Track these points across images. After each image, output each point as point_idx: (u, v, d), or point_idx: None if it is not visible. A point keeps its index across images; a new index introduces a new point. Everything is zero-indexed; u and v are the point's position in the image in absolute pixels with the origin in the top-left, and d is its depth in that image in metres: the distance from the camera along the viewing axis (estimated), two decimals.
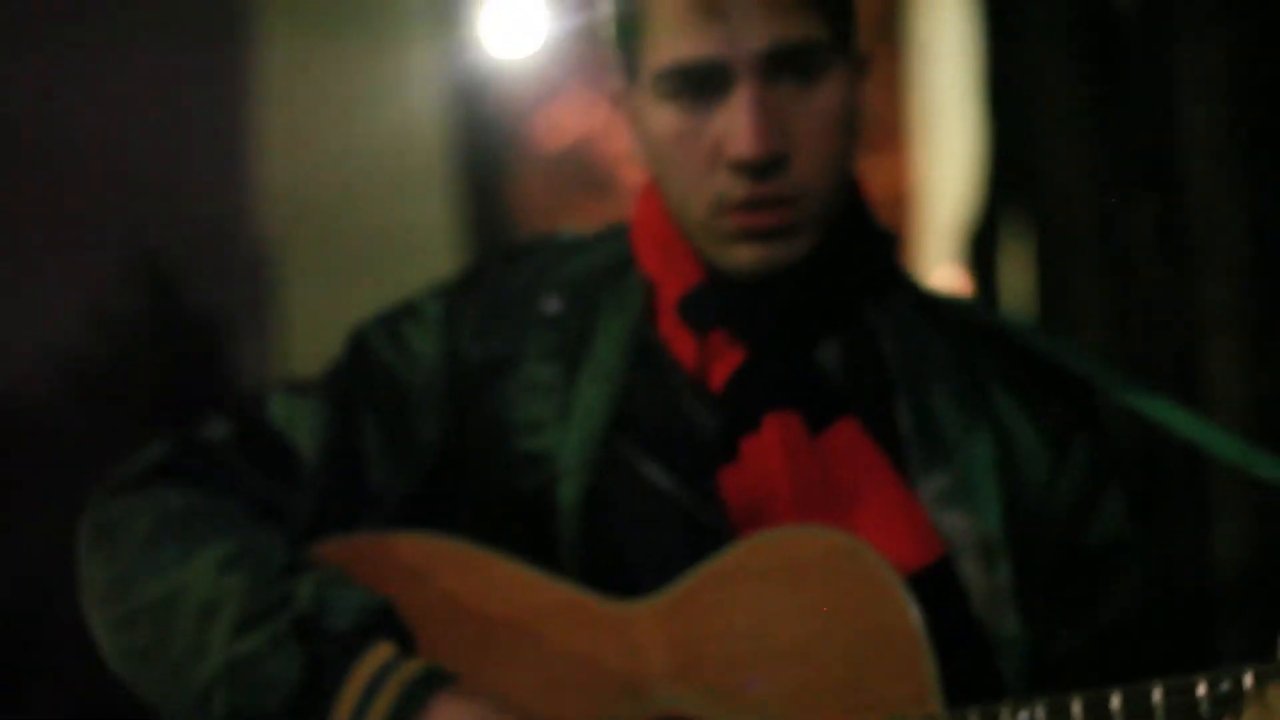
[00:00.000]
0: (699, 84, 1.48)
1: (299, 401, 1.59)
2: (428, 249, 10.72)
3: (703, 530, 1.50)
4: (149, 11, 9.75)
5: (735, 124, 1.47)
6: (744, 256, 1.51)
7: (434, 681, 1.42)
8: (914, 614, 1.41)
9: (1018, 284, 6.03)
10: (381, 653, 1.42)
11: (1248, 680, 1.33)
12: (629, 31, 1.53)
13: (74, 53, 9.70)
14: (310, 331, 11.39)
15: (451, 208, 9.23)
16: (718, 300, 1.53)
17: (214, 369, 8.56)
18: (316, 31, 11.37)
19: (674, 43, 1.48)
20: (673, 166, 1.52)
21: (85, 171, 9.54)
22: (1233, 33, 3.49)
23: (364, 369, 1.60)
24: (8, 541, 7.59)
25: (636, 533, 1.52)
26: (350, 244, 11.66)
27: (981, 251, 6.36)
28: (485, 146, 9.07)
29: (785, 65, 1.48)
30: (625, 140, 1.60)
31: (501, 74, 9.76)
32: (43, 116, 9.55)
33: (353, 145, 11.69)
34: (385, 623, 1.43)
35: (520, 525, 1.53)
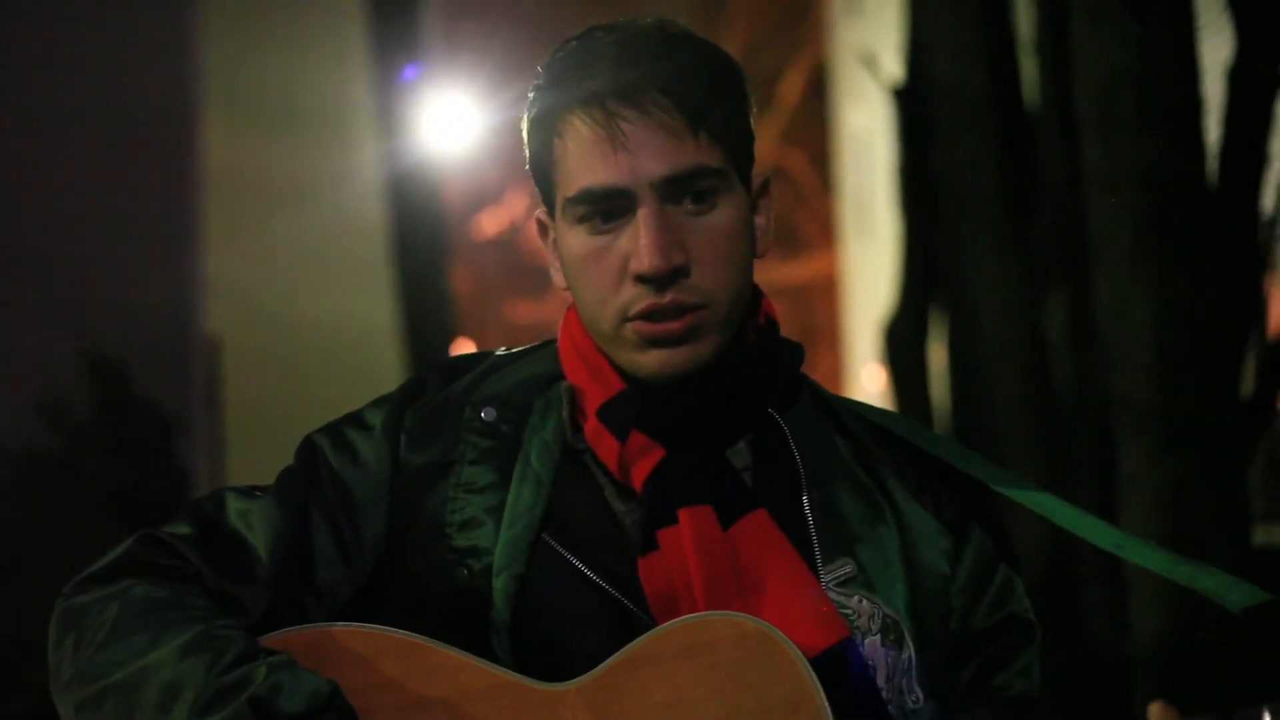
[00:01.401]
0: (605, 209, 1.64)
1: (254, 503, 1.70)
2: (369, 340, 10.80)
3: (625, 617, 1.62)
4: (95, 102, 9.76)
5: (638, 242, 1.62)
6: (648, 361, 1.65)
7: None
8: (818, 691, 1.52)
9: (938, 378, 6.13)
10: None
11: None
12: (543, 167, 1.69)
13: (17, 145, 9.67)
14: (255, 422, 11.41)
15: (392, 299, 9.30)
16: (634, 406, 1.66)
17: (161, 461, 8.53)
18: (261, 127, 11.49)
19: (582, 173, 1.64)
20: (585, 283, 1.67)
21: (30, 265, 9.50)
22: (1142, 130, 3.60)
23: (314, 474, 1.72)
24: None
25: (564, 620, 1.63)
26: (294, 335, 11.72)
27: (904, 346, 6.48)
28: (424, 239, 9.17)
29: (682, 190, 1.63)
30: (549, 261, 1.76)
31: (440, 169, 9.89)
32: None
33: (296, 239, 11.77)
34: (334, 705, 1.54)
35: (457, 616, 1.65)
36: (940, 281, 5.84)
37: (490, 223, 17.10)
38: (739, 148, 1.68)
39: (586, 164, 1.64)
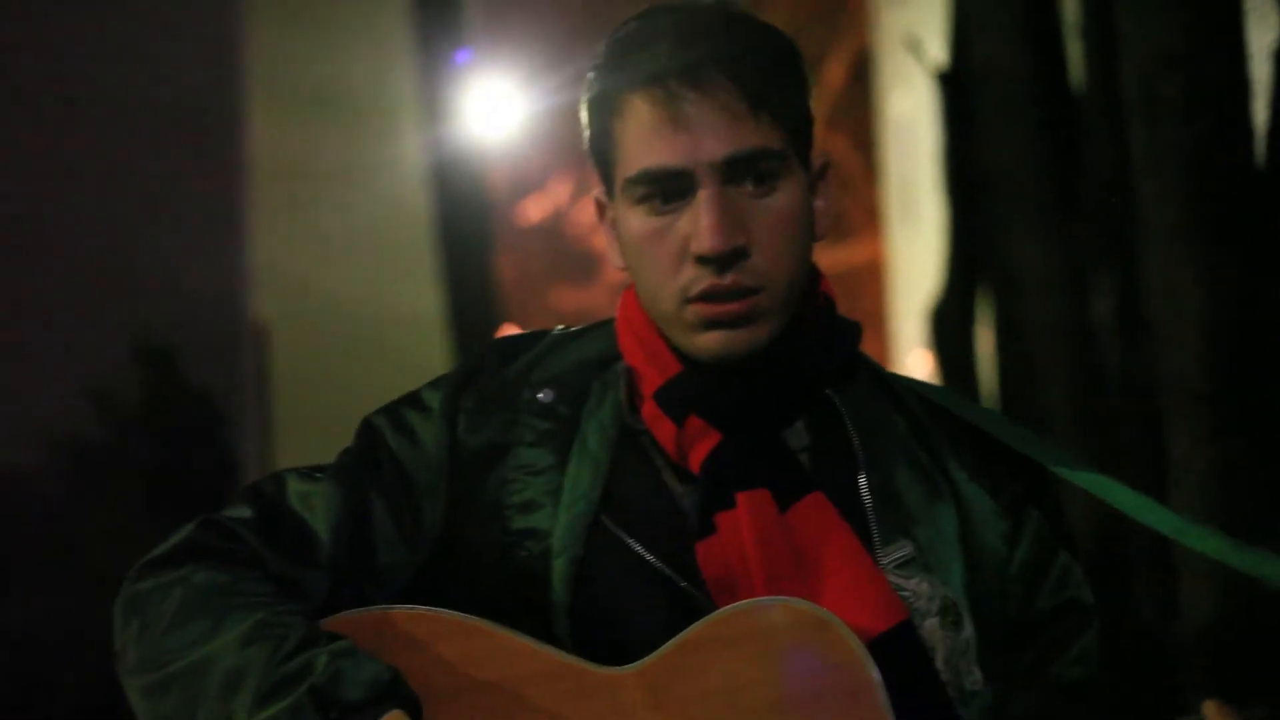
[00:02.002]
0: (666, 190, 1.64)
1: (315, 486, 1.71)
2: (415, 326, 10.83)
3: (683, 600, 1.62)
4: (142, 94, 9.82)
5: (699, 223, 1.62)
6: (708, 343, 1.64)
7: None
8: (874, 676, 1.53)
9: (985, 363, 6.11)
10: None
11: None
12: (603, 147, 1.69)
13: (64, 138, 9.75)
14: (302, 408, 11.48)
15: (437, 284, 9.32)
16: (692, 389, 1.66)
17: (210, 446, 8.59)
18: (305, 115, 11.52)
19: (643, 154, 1.64)
20: (645, 263, 1.66)
21: (81, 254, 9.57)
22: (1188, 113, 3.58)
23: (373, 456, 1.72)
24: (10, 613, 7.60)
25: (622, 603, 1.64)
26: (339, 322, 11.78)
27: (950, 331, 6.45)
28: (469, 226, 9.18)
29: (743, 172, 1.63)
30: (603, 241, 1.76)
31: (484, 155, 9.90)
32: (39, 201, 9.59)
33: (341, 226, 11.81)
34: (395, 692, 1.55)
35: (516, 598, 1.65)
36: (986, 266, 5.82)
37: (534, 209, 17.12)
38: (799, 130, 1.68)
39: (647, 145, 1.63)
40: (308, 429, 10.81)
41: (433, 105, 9.13)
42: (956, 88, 6.18)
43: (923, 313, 7.17)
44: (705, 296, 1.63)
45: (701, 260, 1.62)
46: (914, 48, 7.37)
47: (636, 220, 1.66)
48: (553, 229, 17.87)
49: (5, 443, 8.98)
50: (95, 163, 9.84)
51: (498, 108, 10.55)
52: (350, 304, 11.32)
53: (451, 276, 9.09)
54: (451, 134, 9.14)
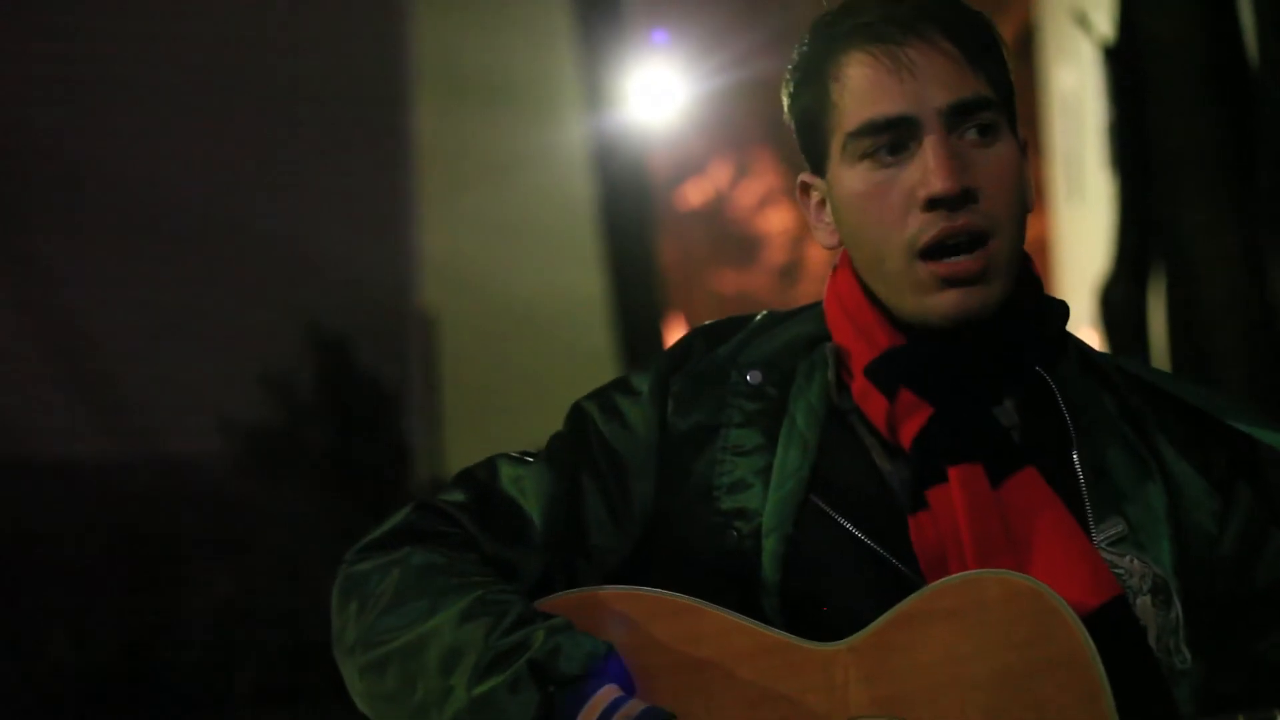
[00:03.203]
0: (891, 139, 1.64)
1: (527, 469, 1.73)
2: (579, 313, 10.90)
3: (894, 576, 1.63)
4: (311, 85, 9.97)
5: (927, 167, 1.62)
6: (942, 303, 1.64)
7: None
8: (1091, 649, 1.53)
9: (1156, 342, 6.00)
10: (607, 694, 1.56)
11: None
12: (813, 120, 1.70)
13: (237, 128, 9.93)
14: (470, 395, 11.59)
15: (600, 270, 9.37)
16: (902, 364, 1.66)
17: (381, 434, 8.69)
18: (470, 103, 11.63)
19: (866, 105, 1.64)
20: (867, 220, 1.66)
21: (255, 244, 9.75)
22: None
23: (584, 440, 1.74)
24: (189, 599, 7.77)
25: (833, 580, 1.64)
26: (505, 309, 11.87)
27: (1120, 310, 6.34)
28: (631, 212, 9.22)
29: (965, 120, 1.64)
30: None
31: (644, 141, 9.94)
32: (212, 193, 9.78)
33: (506, 212, 11.90)
34: (610, 667, 1.57)
35: (725, 577, 1.66)
36: (1157, 243, 5.72)
37: (695, 193, 17.14)
38: (1008, 97, 1.70)
39: (871, 96, 1.64)
40: (475, 414, 10.96)
41: (594, 91, 9.19)
42: (1124, 61, 6.07)
43: (1091, 291, 7.06)
44: (938, 248, 1.63)
45: (932, 204, 1.62)
46: (1081, 21, 7.26)
47: (858, 178, 1.66)
48: (714, 213, 17.88)
49: (182, 430, 9.19)
50: (266, 154, 10.01)
51: (658, 93, 10.58)
52: (515, 290, 11.42)
53: (614, 262, 9.15)
54: (613, 120, 9.19)
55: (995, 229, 1.64)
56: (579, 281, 10.62)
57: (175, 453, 9.11)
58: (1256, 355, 4.66)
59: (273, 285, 9.58)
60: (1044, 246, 16.93)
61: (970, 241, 1.63)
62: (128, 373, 9.39)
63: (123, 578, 7.95)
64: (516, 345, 11.28)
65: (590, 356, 9.57)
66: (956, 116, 1.63)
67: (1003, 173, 1.65)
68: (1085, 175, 14.77)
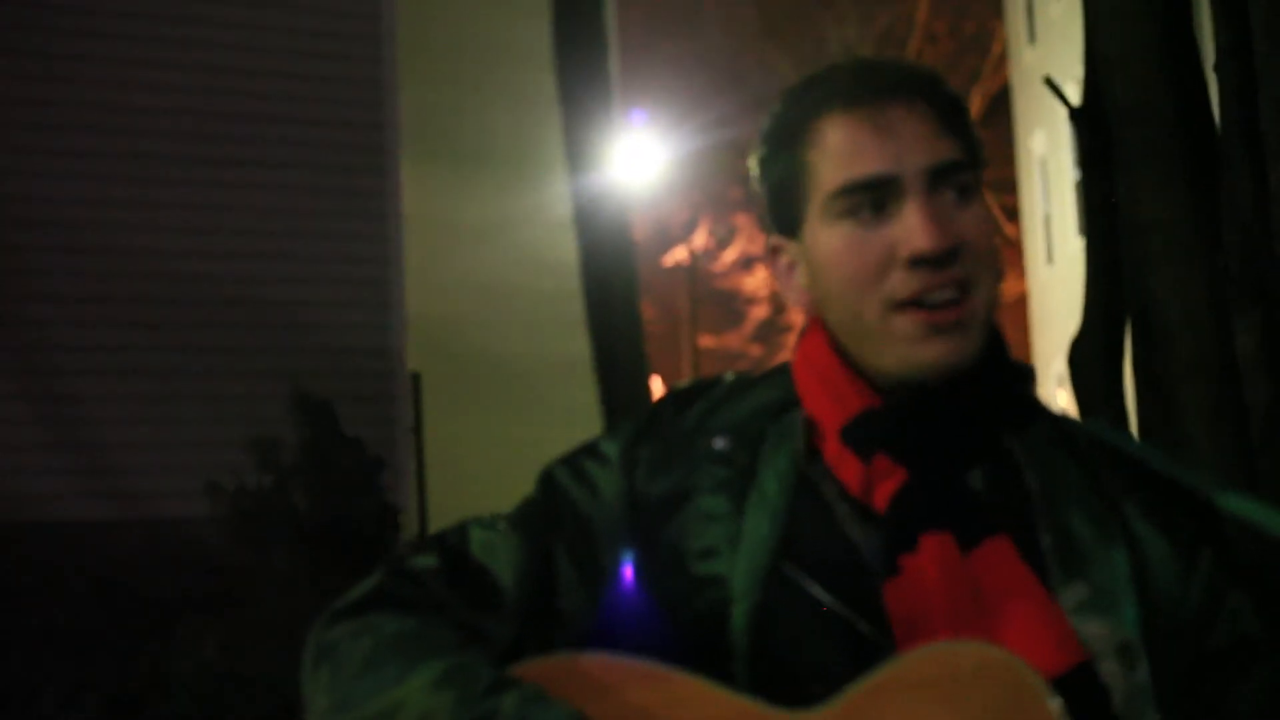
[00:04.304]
0: (873, 198, 1.67)
1: (497, 535, 1.73)
2: (565, 373, 10.95)
3: (865, 643, 1.63)
4: (296, 151, 10.04)
5: (911, 225, 1.65)
6: (925, 352, 1.66)
7: None
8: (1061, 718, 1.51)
9: (1127, 401, 6.04)
10: None
11: None
12: (787, 184, 1.72)
13: (223, 195, 9.99)
14: (453, 455, 11.61)
15: (584, 331, 9.40)
16: (881, 425, 1.67)
17: (368, 494, 8.70)
18: (456, 167, 11.72)
19: (848, 166, 1.67)
20: (846, 278, 1.68)
21: (239, 309, 9.80)
22: None
23: (554, 505, 1.76)
24: (176, 660, 7.77)
25: (804, 647, 1.64)
26: (490, 370, 11.92)
27: (1090, 369, 6.39)
28: (615, 273, 9.26)
29: (945, 181, 1.68)
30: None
31: (628, 202, 10.01)
32: (196, 257, 9.82)
33: (491, 275, 11.96)
34: None
35: (696, 644, 1.67)
36: (1128, 304, 5.77)
37: (678, 255, 17.22)
38: (978, 158, 1.74)
39: (852, 156, 1.67)
40: (460, 475, 10.97)
41: (577, 156, 9.26)
42: (1095, 126, 6.15)
43: (1064, 351, 7.12)
44: (919, 301, 1.65)
45: (916, 262, 1.64)
46: (1052, 87, 7.36)
47: (836, 236, 1.68)
48: (695, 274, 17.96)
49: (170, 493, 9.23)
50: (253, 221, 10.08)
51: (640, 157, 10.68)
52: (499, 351, 11.47)
53: (597, 323, 9.17)
54: (595, 182, 9.27)
55: (975, 283, 1.67)
56: (563, 342, 10.68)
57: (163, 515, 9.15)
58: (1223, 415, 4.70)
59: (260, 349, 9.64)
60: (1020, 306, 17.02)
61: (953, 290, 1.65)
62: (116, 436, 9.43)
63: (111, 639, 7.95)
64: (501, 406, 11.31)
65: (574, 415, 9.61)
66: (937, 177, 1.66)
67: (980, 231, 1.68)
68: (1060, 236, 14.86)
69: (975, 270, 1.67)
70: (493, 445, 10.98)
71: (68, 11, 9.75)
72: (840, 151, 1.67)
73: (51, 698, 7.58)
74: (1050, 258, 15.46)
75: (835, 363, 1.72)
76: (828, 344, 1.74)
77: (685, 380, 1.86)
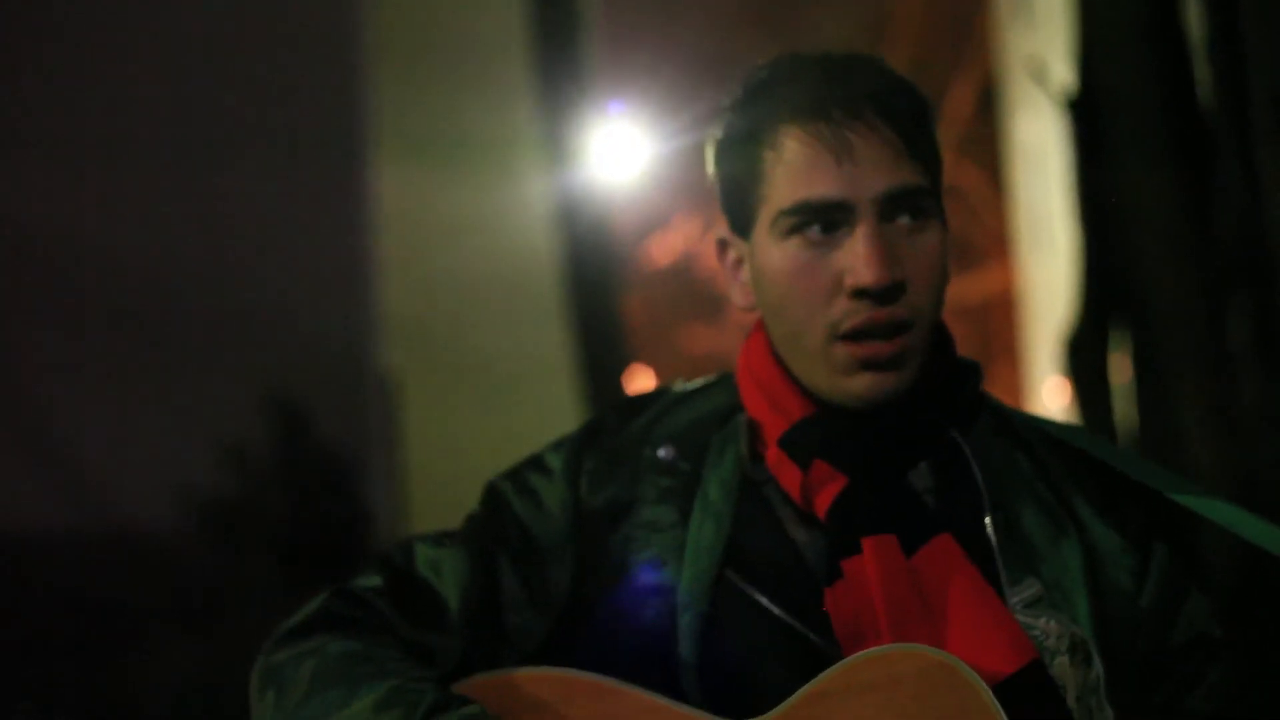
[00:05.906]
0: (824, 222, 1.63)
1: (442, 552, 1.73)
2: (544, 371, 10.88)
3: (810, 650, 1.62)
4: (266, 147, 10.00)
5: (858, 256, 1.62)
6: (856, 386, 1.64)
7: None
8: None
9: (1121, 391, 6.01)
10: None
11: None
12: (742, 183, 1.69)
13: (195, 193, 9.95)
14: (433, 455, 11.54)
15: (565, 328, 9.35)
16: (817, 434, 1.66)
17: (342, 498, 8.67)
18: (431, 162, 11.65)
19: (802, 185, 1.64)
20: (790, 299, 1.66)
21: (207, 310, 9.76)
22: None
23: (499, 521, 1.75)
24: (145, 670, 7.74)
25: (750, 656, 1.64)
26: (468, 368, 11.84)
27: (1085, 360, 6.35)
28: (595, 269, 9.20)
29: (900, 208, 1.64)
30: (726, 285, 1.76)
31: (610, 196, 9.94)
32: (166, 258, 9.79)
33: (469, 271, 11.89)
34: None
35: (643, 656, 1.66)
36: (1119, 292, 5.74)
37: (661, 250, 17.16)
38: (939, 173, 1.70)
39: (807, 175, 1.64)
40: (438, 476, 10.92)
41: (556, 149, 9.18)
42: (1083, 113, 6.10)
43: (1057, 341, 7.07)
44: (858, 334, 1.63)
45: (859, 294, 1.62)
46: (1039, 73, 7.28)
47: (784, 254, 1.66)
48: (680, 270, 17.91)
49: (138, 499, 9.16)
50: (222, 218, 10.03)
51: (621, 150, 10.59)
52: (478, 349, 11.42)
53: (580, 320, 9.12)
54: (576, 177, 9.20)
55: (917, 319, 1.64)
56: (543, 340, 10.61)
57: (135, 523, 9.09)
58: (1215, 404, 4.68)
59: (231, 351, 9.58)
60: (1011, 298, 16.99)
61: (891, 330, 1.63)
62: (85, 443, 9.37)
63: (85, 648, 7.91)
64: (480, 405, 11.27)
65: (555, 414, 9.53)
66: (891, 203, 1.63)
67: (930, 263, 1.65)
68: (1050, 225, 14.82)
69: (919, 303, 1.65)
70: (473, 444, 10.90)
71: (33, 6, 9.69)
72: (796, 167, 1.64)
73: (31, 709, 7.54)
74: (1038, 246, 15.44)
75: (776, 371, 1.71)
76: (769, 351, 1.73)
77: (680, 379, 1.87)
